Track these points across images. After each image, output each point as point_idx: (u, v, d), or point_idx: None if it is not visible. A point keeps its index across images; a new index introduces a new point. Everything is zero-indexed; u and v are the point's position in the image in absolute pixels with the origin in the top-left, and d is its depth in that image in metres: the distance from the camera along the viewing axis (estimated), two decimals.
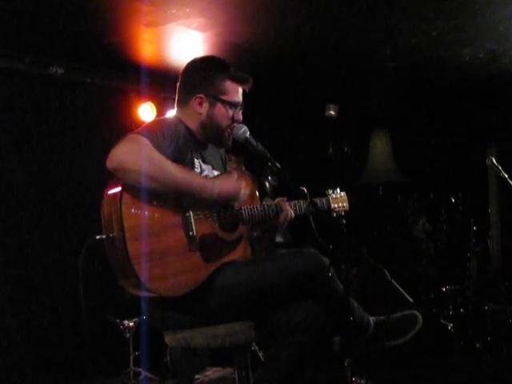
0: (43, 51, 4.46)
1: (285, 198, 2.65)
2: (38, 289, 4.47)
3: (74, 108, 4.81)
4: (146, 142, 2.22)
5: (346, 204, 2.81)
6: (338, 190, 2.83)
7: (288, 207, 2.59)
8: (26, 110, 4.53)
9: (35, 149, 4.58)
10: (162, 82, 4.89)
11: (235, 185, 2.41)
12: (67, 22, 3.97)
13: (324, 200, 2.75)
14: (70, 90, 4.78)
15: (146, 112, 5.14)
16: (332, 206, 2.76)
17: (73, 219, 4.65)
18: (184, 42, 4.42)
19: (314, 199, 2.68)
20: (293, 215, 2.60)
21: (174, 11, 3.84)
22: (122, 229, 2.17)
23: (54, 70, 4.57)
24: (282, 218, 2.57)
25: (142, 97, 5.15)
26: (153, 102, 5.18)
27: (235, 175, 2.46)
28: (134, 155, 2.20)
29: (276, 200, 2.65)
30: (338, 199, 2.79)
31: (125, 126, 4.80)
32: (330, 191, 2.80)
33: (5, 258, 4.34)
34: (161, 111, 5.13)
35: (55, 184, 4.66)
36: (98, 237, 2.28)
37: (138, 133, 2.28)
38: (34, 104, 4.57)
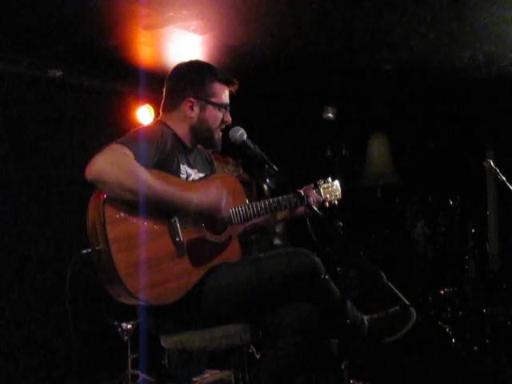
0: (41, 54, 4.45)
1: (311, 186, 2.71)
2: (37, 291, 4.47)
3: (72, 111, 4.80)
4: (127, 152, 2.17)
5: (338, 193, 2.80)
6: (330, 179, 2.81)
7: (311, 193, 2.65)
8: (24, 113, 4.52)
9: (33, 152, 4.57)
10: (160, 84, 4.85)
11: (215, 195, 2.37)
12: (65, 24, 3.97)
13: (315, 192, 2.74)
14: (68, 93, 4.78)
15: (144, 115, 5.13)
16: (324, 196, 2.76)
17: (71, 221, 4.63)
18: (182, 45, 4.42)
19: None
20: (314, 201, 2.65)
21: (171, 14, 3.84)
22: (106, 241, 2.13)
23: (52, 72, 4.57)
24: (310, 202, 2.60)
25: (140, 99, 5.13)
26: (151, 104, 5.17)
27: (215, 185, 2.40)
28: (114, 167, 2.14)
29: (303, 188, 2.68)
30: (330, 189, 2.79)
31: (123, 129, 4.76)
32: (322, 181, 2.79)
33: (4, 261, 4.33)
34: (159, 114, 5.12)
35: (53, 187, 4.65)
36: (84, 251, 2.26)
37: (120, 142, 2.21)
38: (32, 107, 4.56)
